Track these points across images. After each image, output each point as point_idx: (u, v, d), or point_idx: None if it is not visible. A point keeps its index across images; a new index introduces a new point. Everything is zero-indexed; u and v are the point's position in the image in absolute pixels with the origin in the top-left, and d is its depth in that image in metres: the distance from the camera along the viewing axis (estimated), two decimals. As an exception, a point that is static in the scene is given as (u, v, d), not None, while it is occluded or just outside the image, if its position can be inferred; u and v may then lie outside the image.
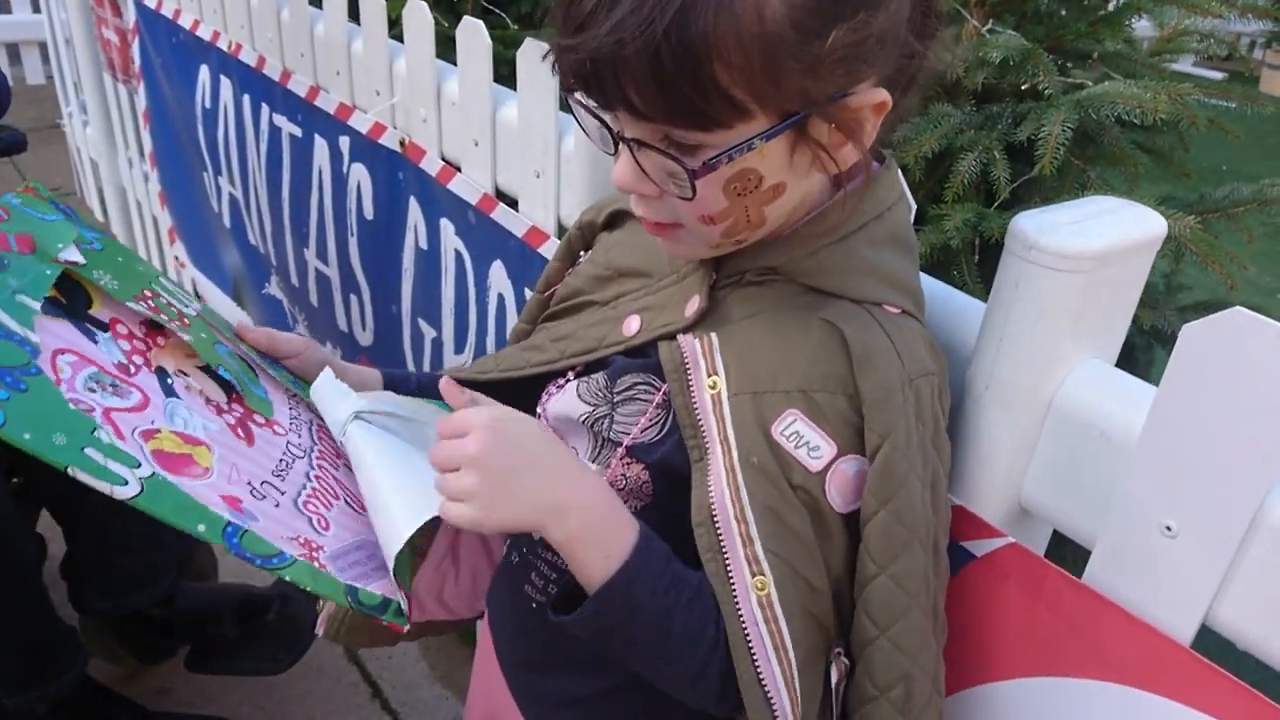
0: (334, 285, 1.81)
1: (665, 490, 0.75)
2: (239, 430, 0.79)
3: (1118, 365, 1.48)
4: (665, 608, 0.68)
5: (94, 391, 0.70)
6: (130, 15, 2.40)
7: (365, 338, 1.78)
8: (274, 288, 2.09)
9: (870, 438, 0.67)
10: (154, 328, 0.80)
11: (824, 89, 0.62)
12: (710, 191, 0.65)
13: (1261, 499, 0.60)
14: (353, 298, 1.76)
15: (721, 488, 0.69)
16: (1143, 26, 1.62)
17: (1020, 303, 0.69)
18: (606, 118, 0.66)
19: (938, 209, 1.30)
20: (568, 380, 0.84)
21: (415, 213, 1.48)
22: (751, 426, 0.69)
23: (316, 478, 0.81)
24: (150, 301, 0.80)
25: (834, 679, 0.71)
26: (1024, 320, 0.69)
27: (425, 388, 0.97)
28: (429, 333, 1.56)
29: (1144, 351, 1.56)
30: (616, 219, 0.90)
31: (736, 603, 0.68)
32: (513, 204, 1.27)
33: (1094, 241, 0.65)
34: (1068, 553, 0.87)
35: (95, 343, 0.74)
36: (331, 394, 0.86)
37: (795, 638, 0.68)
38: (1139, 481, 0.65)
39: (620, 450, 0.77)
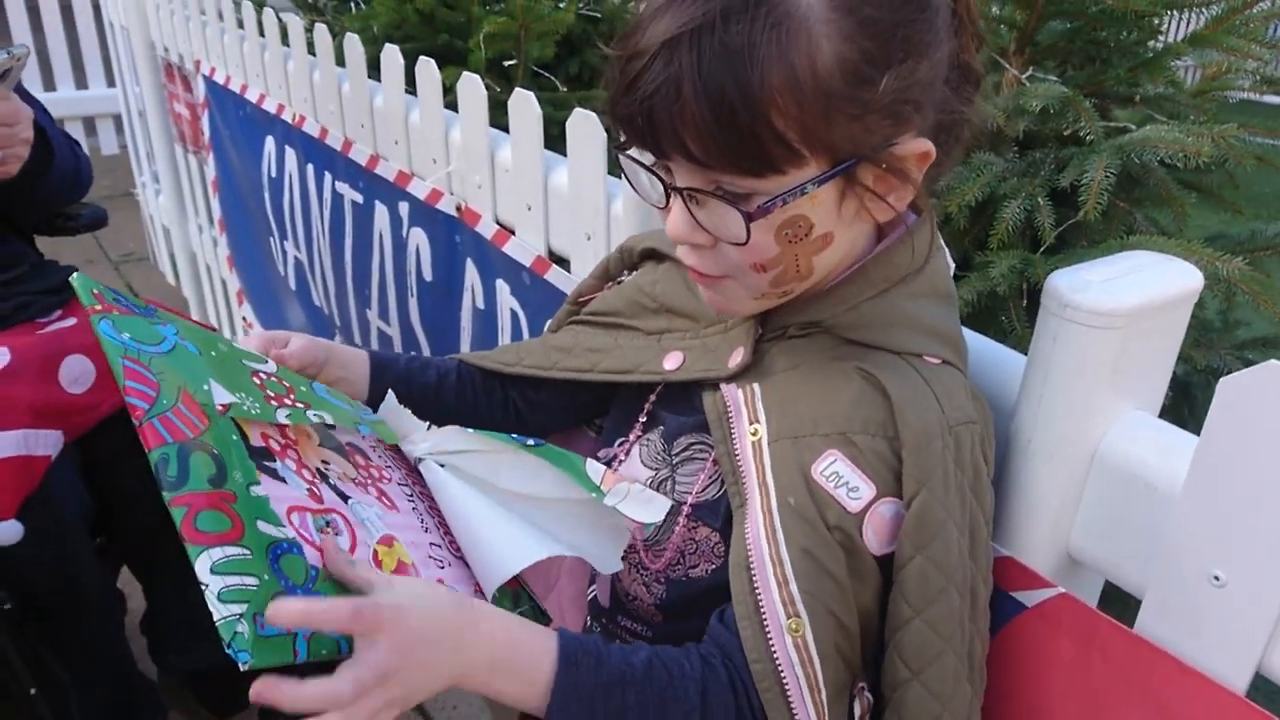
0: (395, 344, 1.87)
1: None
2: (384, 500, 0.79)
3: (1177, 405, 1.47)
4: (618, 709, 0.67)
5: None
6: (200, 90, 2.52)
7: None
8: (338, 346, 2.16)
9: (908, 483, 0.68)
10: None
11: (873, 136, 0.64)
12: (763, 238, 0.67)
13: (1306, 549, 0.61)
14: (413, 356, 1.82)
15: (758, 530, 0.70)
16: (1190, 62, 1.62)
17: (1058, 358, 0.71)
18: (659, 171, 0.69)
19: (983, 256, 1.32)
20: (632, 442, 0.87)
21: (472, 274, 1.54)
22: (791, 469, 0.71)
23: (431, 510, 0.83)
24: (267, 392, 0.78)
25: (857, 713, 0.72)
26: (1063, 375, 0.71)
27: (413, 372, 0.97)
28: (487, 389, 1.61)
29: (1202, 390, 1.54)
30: (653, 255, 0.93)
31: (771, 646, 0.68)
32: (565, 265, 1.32)
33: (1127, 299, 0.67)
34: (1132, 601, 0.87)
35: (284, 480, 0.71)
36: (398, 421, 0.87)
37: (828, 676, 0.69)
38: (1185, 532, 0.66)
39: (685, 510, 0.80)
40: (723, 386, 0.77)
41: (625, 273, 0.97)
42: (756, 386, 0.75)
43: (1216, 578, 0.65)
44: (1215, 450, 0.63)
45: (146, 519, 1.53)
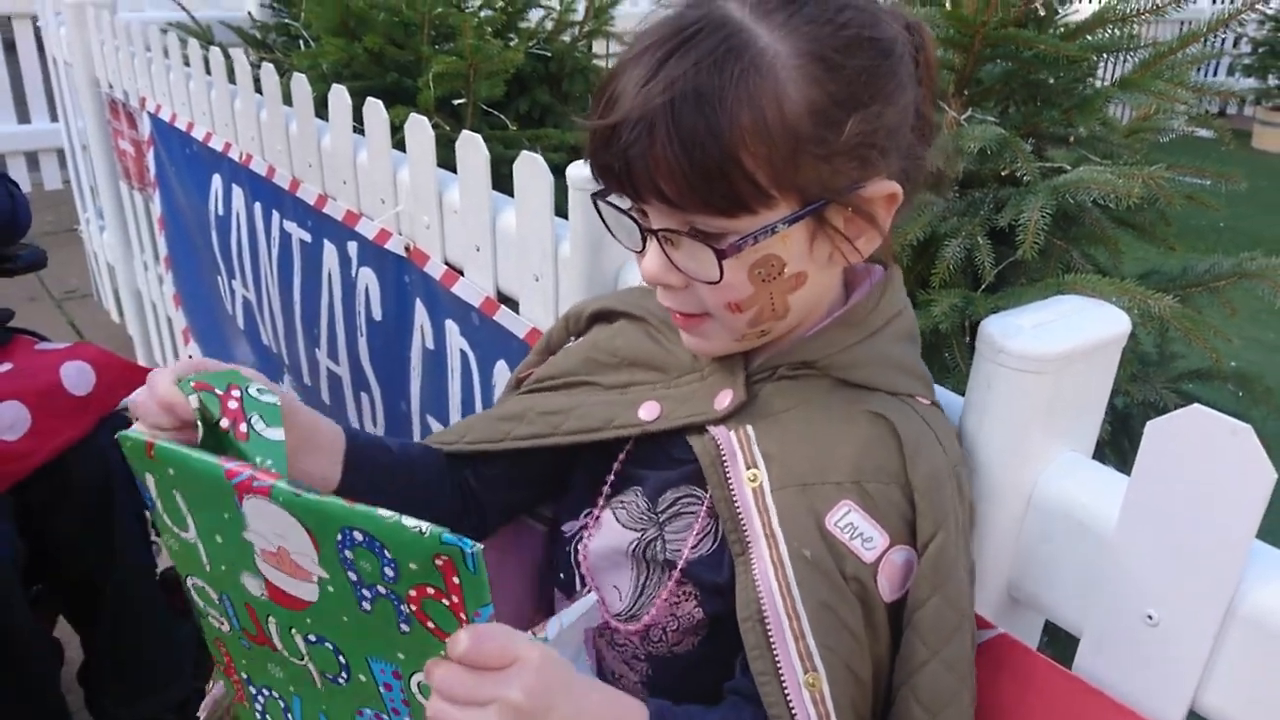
0: (345, 384, 1.85)
1: (723, 612, 0.74)
2: None
3: (1116, 438, 1.49)
4: None
5: None
6: (145, 127, 2.49)
7: (376, 434, 1.81)
8: (287, 386, 2.13)
9: (924, 526, 0.69)
10: None
11: (840, 178, 0.66)
12: (736, 277, 0.68)
13: (1233, 589, 0.62)
14: (363, 395, 1.80)
15: (769, 582, 0.69)
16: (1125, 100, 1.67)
17: (993, 402, 0.72)
18: (635, 215, 0.70)
19: (925, 294, 1.34)
20: (600, 510, 0.83)
21: (421, 314, 1.53)
22: (803, 519, 0.70)
23: None
24: None
25: None
26: (997, 418, 0.72)
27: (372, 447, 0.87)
28: (438, 429, 1.59)
29: (1141, 422, 1.57)
30: (602, 316, 0.90)
31: (789, 700, 0.68)
32: (514, 306, 1.32)
33: (1058, 344, 0.69)
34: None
35: None
36: None
37: None
38: (1118, 572, 0.68)
39: (675, 573, 0.76)
40: (711, 429, 0.75)
41: (571, 339, 0.94)
42: (750, 429, 0.74)
43: (1150, 617, 0.66)
44: (1145, 492, 0.65)
45: (82, 567, 1.49)
